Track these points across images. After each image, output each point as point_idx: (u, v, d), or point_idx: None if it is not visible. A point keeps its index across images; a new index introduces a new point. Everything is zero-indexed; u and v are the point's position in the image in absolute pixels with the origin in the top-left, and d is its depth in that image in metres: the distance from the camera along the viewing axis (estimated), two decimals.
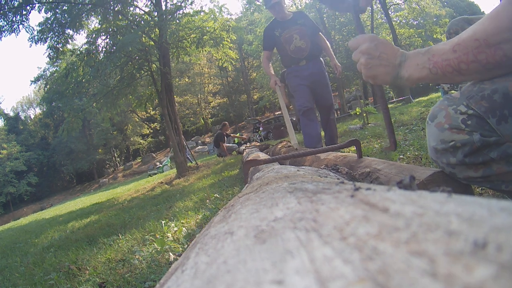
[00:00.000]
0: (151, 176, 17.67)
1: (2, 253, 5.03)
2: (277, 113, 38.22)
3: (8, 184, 41.16)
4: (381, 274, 0.21)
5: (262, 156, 3.37)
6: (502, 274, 0.19)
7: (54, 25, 9.21)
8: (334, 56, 4.39)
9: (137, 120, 45.98)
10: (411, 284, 0.19)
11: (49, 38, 9.38)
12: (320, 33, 4.31)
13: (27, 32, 9.17)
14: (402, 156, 2.93)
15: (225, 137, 12.34)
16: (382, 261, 0.23)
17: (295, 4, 25.72)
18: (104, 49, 9.81)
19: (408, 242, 0.24)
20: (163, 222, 3.22)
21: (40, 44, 9.39)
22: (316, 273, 0.23)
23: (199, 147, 33.45)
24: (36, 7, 9.00)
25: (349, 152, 3.34)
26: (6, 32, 8.88)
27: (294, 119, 13.15)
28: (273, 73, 4.21)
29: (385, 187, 0.48)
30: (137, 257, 2.44)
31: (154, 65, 9.89)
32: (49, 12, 9.09)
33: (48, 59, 10.29)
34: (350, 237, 0.28)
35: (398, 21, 27.82)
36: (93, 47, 9.72)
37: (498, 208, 0.27)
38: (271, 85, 4.05)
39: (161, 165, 18.87)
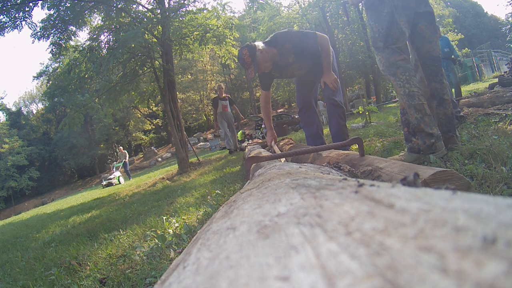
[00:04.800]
0: (104, 187, 17.04)
1: (3, 248, 5.04)
2: (279, 110, 38.27)
3: (10, 179, 41.27)
4: (389, 270, 0.21)
5: (264, 153, 3.36)
6: None
7: (57, 22, 9.20)
8: (329, 67, 3.66)
9: (140, 116, 46.06)
10: (421, 280, 0.19)
11: (52, 35, 9.37)
12: (319, 46, 3.57)
13: (30, 28, 9.14)
14: None
15: (219, 101, 10.36)
16: (390, 256, 0.22)
17: (298, 3, 25.65)
18: (107, 45, 9.81)
19: (416, 238, 0.24)
20: (164, 217, 3.22)
21: (43, 41, 9.38)
22: (322, 269, 0.23)
23: (201, 143, 33.48)
24: (39, 4, 9.00)
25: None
26: (8, 28, 8.86)
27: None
28: (272, 126, 3.90)
29: (389, 184, 0.48)
30: (138, 253, 2.44)
31: (157, 62, 9.90)
32: (52, 9, 9.08)
33: (51, 55, 10.29)
34: (356, 232, 0.28)
35: None
36: (96, 43, 9.72)
37: (505, 205, 0.26)
38: (267, 141, 3.82)
39: (113, 177, 17.78)
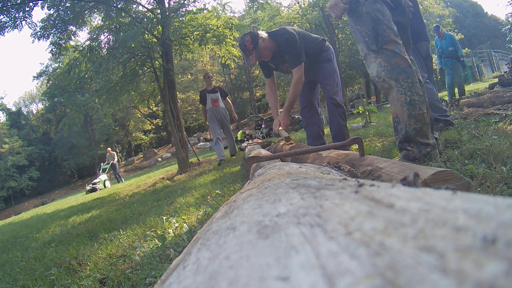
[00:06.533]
0: (87, 193, 15.56)
1: (3, 248, 5.04)
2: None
3: (10, 179, 41.26)
4: (389, 270, 0.21)
5: (264, 153, 3.36)
6: None
7: (56, 22, 9.21)
8: (287, 109, 3.78)
9: (140, 116, 46.08)
10: (421, 280, 0.19)
11: (51, 35, 9.37)
12: (297, 66, 3.54)
13: (30, 28, 9.14)
14: None
15: (207, 94, 8.39)
16: (390, 256, 0.22)
17: (298, 3, 25.65)
18: (106, 45, 9.81)
19: (416, 238, 0.24)
20: (164, 217, 3.22)
21: (43, 40, 9.38)
22: (322, 269, 0.23)
23: (201, 143, 33.48)
24: (39, 4, 9.00)
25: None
26: (8, 28, 8.87)
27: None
28: (278, 112, 3.85)
29: (389, 184, 0.48)
30: (138, 253, 2.44)
31: (157, 62, 9.89)
32: (52, 9, 9.09)
33: (51, 55, 10.30)
34: (356, 232, 0.28)
35: None
36: (96, 43, 9.72)
37: (505, 205, 0.26)
38: (274, 127, 3.81)
39: (98, 181, 16.40)
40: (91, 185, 16.45)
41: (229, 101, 8.76)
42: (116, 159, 18.22)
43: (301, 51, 3.54)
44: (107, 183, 16.61)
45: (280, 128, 3.73)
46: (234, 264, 0.30)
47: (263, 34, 3.57)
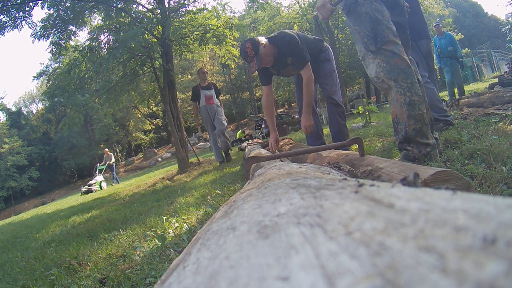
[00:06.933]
0: (83, 194, 15.35)
1: (3, 248, 5.04)
2: (279, 110, 38.27)
3: (10, 179, 41.28)
4: (389, 270, 0.21)
5: (264, 153, 3.36)
6: None
7: (56, 22, 9.22)
8: (308, 108, 3.63)
9: (140, 116, 46.10)
10: (421, 280, 0.19)
11: (52, 34, 9.39)
12: (305, 66, 3.50)
13: (30, 28, 9.17)
14: None
15: (201, 91, 7.88)
16: (390, 256, 0.22)
17: (298, 3, 25.65)
18: (107, 45, 9.82)
19: (416, 238, 0.24)
20: (164, 217, 3.22)
21: (43, 40, 9.39)
22: (322, 269, 0.23)
23: (201, 143, 33.47)
24: (39, 4, 9.01)
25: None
26: (9, 27, 8.89)
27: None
28: (275, 127, 3.84)
29: (389, 184, 0.48)
30: (138, 252, 2.44)
31: (157, 62, 9.89)
32: (52, 9, 9.10)
33: (51, 55, 10.31)
34: (356, 232, 0.28)
35: None
36: (96, 43, 9.72)
37: (505, 205, 0.26)
38: (270, 144, 3.76)
39: (94, 182, 16.00)
40: (86, 186, 16.10)
41: (221, 101, 8.27)
42: (113, 160, 17.88)
43: (305, 50, 3.49)
44: (103, 184, 16.30)
45: (275, 148, 3.72)
46: (234, 264, 0.30)
47: (263, 40, 3.49)
